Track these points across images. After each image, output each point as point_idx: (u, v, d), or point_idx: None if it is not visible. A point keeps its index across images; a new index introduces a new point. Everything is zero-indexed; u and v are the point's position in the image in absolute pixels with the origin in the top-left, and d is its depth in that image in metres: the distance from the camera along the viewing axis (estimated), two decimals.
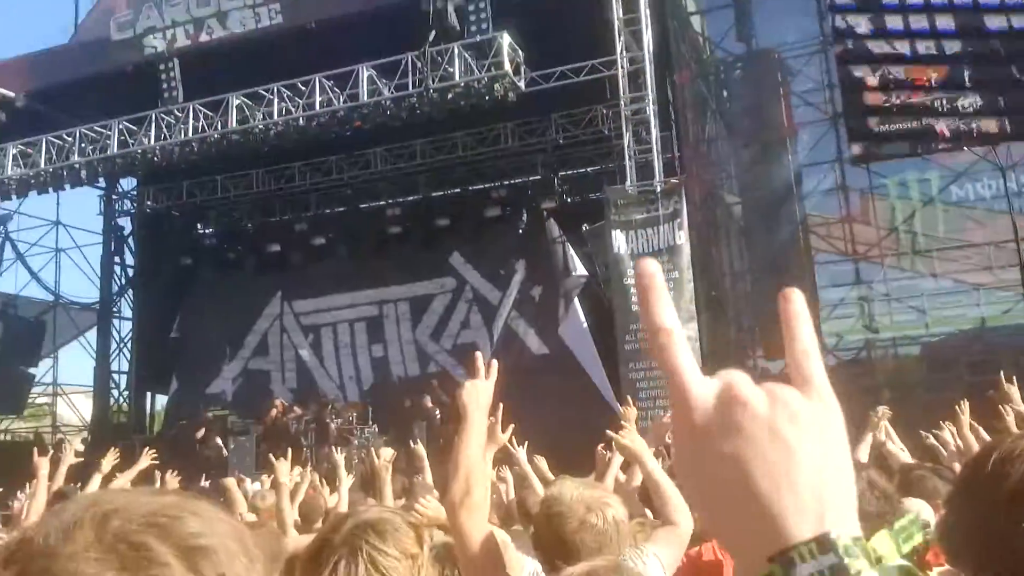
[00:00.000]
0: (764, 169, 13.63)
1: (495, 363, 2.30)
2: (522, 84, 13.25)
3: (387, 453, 5.48)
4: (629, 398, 9.40)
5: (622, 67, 13.04)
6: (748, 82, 14.64)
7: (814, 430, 0.60)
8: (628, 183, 13.11)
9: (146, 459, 6.20)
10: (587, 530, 2.16)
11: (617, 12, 13.12)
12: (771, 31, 15.03)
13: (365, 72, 13.65)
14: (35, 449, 5.61)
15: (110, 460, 5.77)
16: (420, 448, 5.85)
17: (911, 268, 14.69)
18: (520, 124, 16.52)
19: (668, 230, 12.91)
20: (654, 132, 12.89)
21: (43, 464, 5.14)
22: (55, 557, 0.73)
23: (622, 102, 13.09)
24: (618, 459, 6.03)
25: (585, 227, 14.70)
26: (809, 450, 0.59)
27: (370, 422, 15.44)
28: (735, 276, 15.29)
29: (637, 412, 6.83)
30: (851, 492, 0.60)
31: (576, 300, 16.69)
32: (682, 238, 12.84)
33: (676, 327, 0.64)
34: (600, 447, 7.14)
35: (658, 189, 12.96)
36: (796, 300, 0.65)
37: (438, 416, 15.62)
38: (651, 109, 12.91)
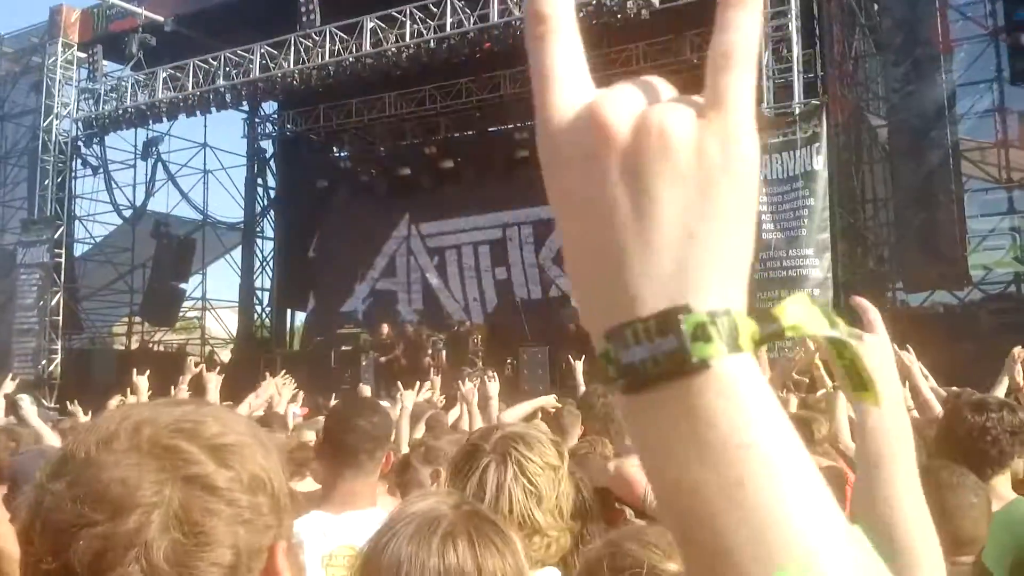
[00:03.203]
0: (915, 89, 12.69)
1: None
2: (656, 0, 12.80)
3: (493, 389, 5.32)
4: None
5: None
6: None
7: (693, 173, 0.44)
8: (764, 105, 12.55)
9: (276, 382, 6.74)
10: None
11: None
12: None
13: None
14: (203, 365, 6.14)
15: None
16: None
17: None
18: (651, 44, 16.04)
19: (805, 155, 12.33)
20: (796, 49, 12.23)
21: (212, 379, 5.40)
22: (99, 466, 0.81)
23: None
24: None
25: None
26: (674, 199, 0.44)
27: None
28: (876, 204, 14.53)
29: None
30: (741, 266, 0.45)
31: None
32: (820, 163, 12.24)
33: (566, 16, 0.46)
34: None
35: (797, 111, 12.36)
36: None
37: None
38: (794, 24, 12.23)
